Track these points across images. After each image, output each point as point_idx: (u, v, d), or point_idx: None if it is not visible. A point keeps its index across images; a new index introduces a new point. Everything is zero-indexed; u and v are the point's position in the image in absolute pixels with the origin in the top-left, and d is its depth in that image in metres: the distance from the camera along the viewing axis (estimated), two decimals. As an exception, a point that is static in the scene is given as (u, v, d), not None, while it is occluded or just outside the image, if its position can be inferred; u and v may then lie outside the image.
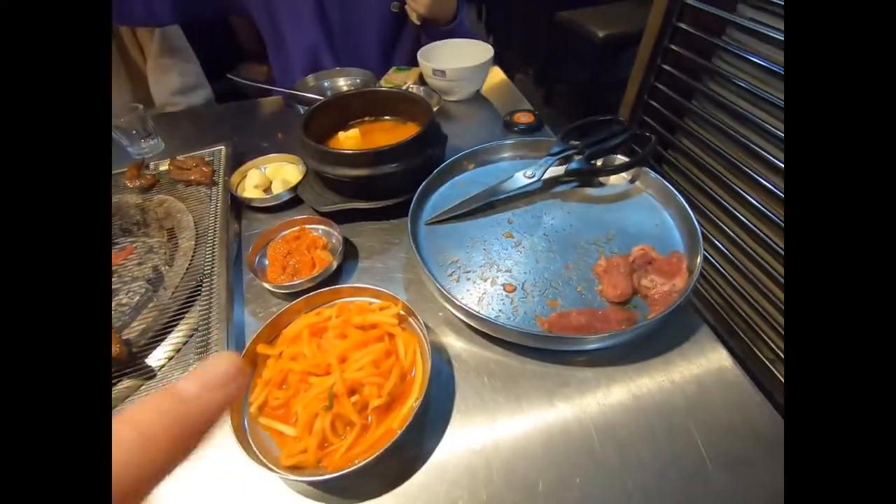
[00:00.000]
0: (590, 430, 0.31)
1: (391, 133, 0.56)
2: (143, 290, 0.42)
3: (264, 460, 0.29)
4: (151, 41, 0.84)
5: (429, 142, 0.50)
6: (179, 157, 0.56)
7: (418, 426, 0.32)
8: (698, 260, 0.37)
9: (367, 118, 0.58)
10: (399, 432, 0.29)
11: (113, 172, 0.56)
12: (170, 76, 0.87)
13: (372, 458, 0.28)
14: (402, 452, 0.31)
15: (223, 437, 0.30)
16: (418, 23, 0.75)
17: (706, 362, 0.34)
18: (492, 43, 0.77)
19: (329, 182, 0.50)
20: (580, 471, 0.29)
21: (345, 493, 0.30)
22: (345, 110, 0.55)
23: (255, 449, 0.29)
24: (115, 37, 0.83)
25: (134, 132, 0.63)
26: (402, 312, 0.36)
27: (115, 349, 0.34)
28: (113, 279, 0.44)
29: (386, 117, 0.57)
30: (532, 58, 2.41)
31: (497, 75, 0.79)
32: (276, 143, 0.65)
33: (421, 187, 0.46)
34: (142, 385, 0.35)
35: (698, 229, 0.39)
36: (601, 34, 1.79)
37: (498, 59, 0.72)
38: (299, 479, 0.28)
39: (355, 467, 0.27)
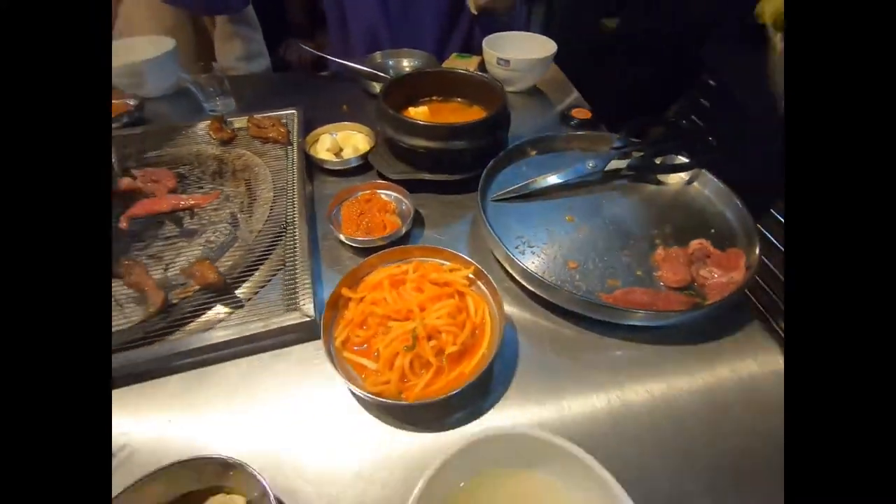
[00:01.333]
0: (649, 403, 0.34)
1: (458, 113, 0.58)
2: (228, 231, 0.45)
3: (356, 382, 0.32)
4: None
5: (498, 124, 0.52)
6: (257, 116, 0.59)
7: (487, 376, 0.35)
8: (756, 254, 0.39)
9: (435, 97, 0.60)
10: (472, 377, 0.32)
11: (193, 125, 0.60)
12: (235, 42, 0.91)
13: (446, 395, 0.30)
14: (472, 397, 0.34)
15: (319, 362, 0.33)
16: (475, 12, 0.77)
17: (760, 356, 0.36)
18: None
19: (400, 152, 0.52)
20: (639, 442, 0.32)
21: (416, 424, 0.32)
22: (418, 87, 0.58)
23: (345, 372, 0.32)
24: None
25: (211, 89, 0.66)
26: (471, 276, 0.39)
27: (213, 276, 0.37)
28: (197, 219, 0.47)
29: (456, 98, 0.60)
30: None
31: (553, 70, 0.81)
32: (338, 114, 0.68)
33: (489, 165, 0.49)
34: (232, 313, 0.38)
35: (755, 229, 0.41)
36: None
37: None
38: (386, 400, 0.31)
39: (433, 400, 0.30)
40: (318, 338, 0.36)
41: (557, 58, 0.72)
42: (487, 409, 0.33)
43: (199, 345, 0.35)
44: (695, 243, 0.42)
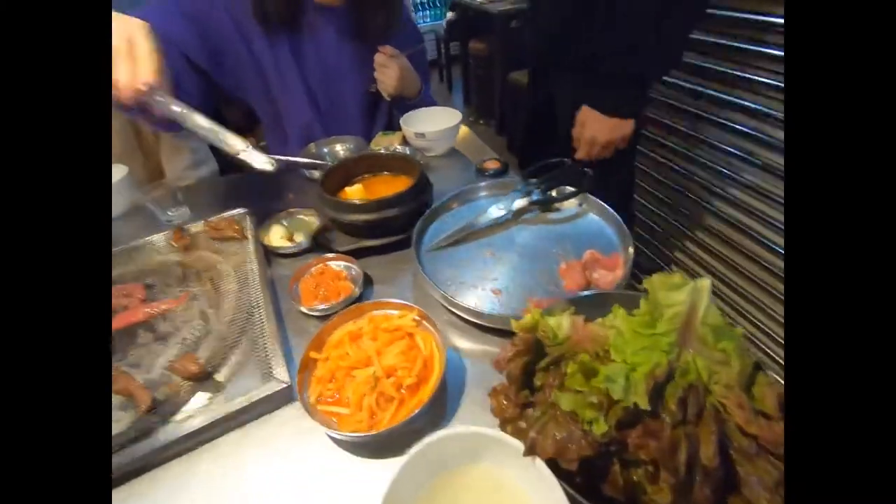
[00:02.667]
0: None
1: (389, 184, 0.69)
2: (200, 327, 0.51)
3: (334, 427, 0.38)
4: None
5: (421, 190, 0.63)
6: (212, 219, 0.67)
7: (441, 398, 0.42)
8: (630, 252, 0.50)
9: (367, 175, 0.71)
10: (426, 400, 0.39)
11: (152, 238, 0.66)
12: (183, 153, 1.00)
13: (408, 418, 0.37)
14: (431, 418, 0.41)
15: (298, 419, 0.39)
16: (389, 99, 0.91)
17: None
18: (452, 100, 0.93)
19: (343, 227, 0.62)
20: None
21: (392, 452, 0.39)
22: (351, 170, 0.69)
23: (323, 421, 0.38)
24: (131, 122, 0.96)
25: (165, 202, 0.74)
26: (416, 318, 0.47)
27: (195, 368, 0.43)
28: (170, 323, 0.53)
29: (384, 173, 0.71)
30: (490, 111, 2.72)
31: (464, 131, 0.96)
32: (286, 202, 0.77)
33: (418, 224, 0.59)
34: (214, 395, 0.43)
35: (628, 232, 0.53)
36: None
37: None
38: (361, 435, 0.37)
39: (397, 425, 0.37)
40: (295, 399, 0.43)
41: (479, 108, 0.86)
42: (447, 424, 0.40)
43: (189, 430, 0.39)
44: (587, 253, 0.53)
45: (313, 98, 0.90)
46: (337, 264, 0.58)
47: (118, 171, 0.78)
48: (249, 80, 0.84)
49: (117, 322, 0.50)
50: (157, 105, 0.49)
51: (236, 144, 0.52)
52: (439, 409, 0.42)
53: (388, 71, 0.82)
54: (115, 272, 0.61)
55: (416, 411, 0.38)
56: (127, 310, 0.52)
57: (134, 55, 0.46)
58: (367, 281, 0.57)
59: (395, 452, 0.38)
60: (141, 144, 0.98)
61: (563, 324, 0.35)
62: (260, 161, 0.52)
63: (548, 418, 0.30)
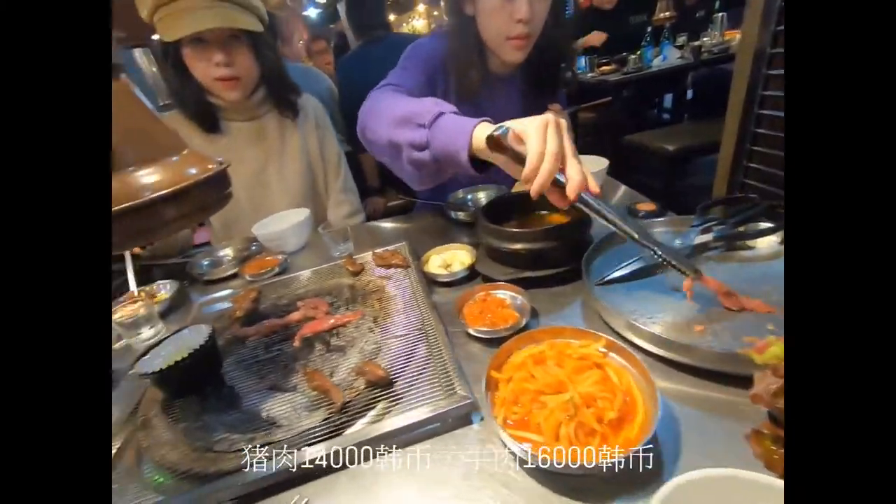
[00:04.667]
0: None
1: (541, 222, 0.69)
2: (375, 341, 0.53)
3: (526, 451, 0.34)
4: (337, 180, 1.16)
5: (586, 224, 0.62)
6: (378, 250, 0.74)
7: (654, 440, 0.35)
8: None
9: (517, 214, 0.73)
10: (641, 440, 0.33)
11: (327, 265, 0.75)
12: (343, 206, 1.17)
13: (627, 453, 0.31)
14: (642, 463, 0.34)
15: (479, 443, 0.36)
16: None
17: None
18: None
19: (503, 256, 0.62)
20: None
21: (589, 491, 0.32)
22: (507, 205, 0.71)
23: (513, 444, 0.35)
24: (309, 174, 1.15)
25: (337, 239, 0.84)
26: (602, 348, 0.42)
27: (382, 373, 0.44)
28: (342, 337, 0.56)
29: (535, 212, 0.72)
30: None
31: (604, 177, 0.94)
32: (434, 240, 0.82)
33: (586, 255, 0.56)
34: (393, 404, 0.43)
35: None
36: (671, 148, 1.99)
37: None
38: (567, 465, 0.32)
39: (613, 460, 0.31)
40: (471, 423, 0.40)
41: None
42: (669, 470, 0.33)
43: (378, 433, 0.39)
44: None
45: None
46: (500, 293, 0.57)
47: (303, 213, 0.93)
48: None
49: (309, 329, 0.55)
50: None
51: None
52: (652, 453, 0.34)
53: None
54: (301, 290, 0.70)
55: (639, 446, 0.32)
56: (315, 319, 0.57)
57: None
58: (532, 312, 0.55)
59: (597, 494, 0.32)
60: (314, 195, 1.18)
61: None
62: None
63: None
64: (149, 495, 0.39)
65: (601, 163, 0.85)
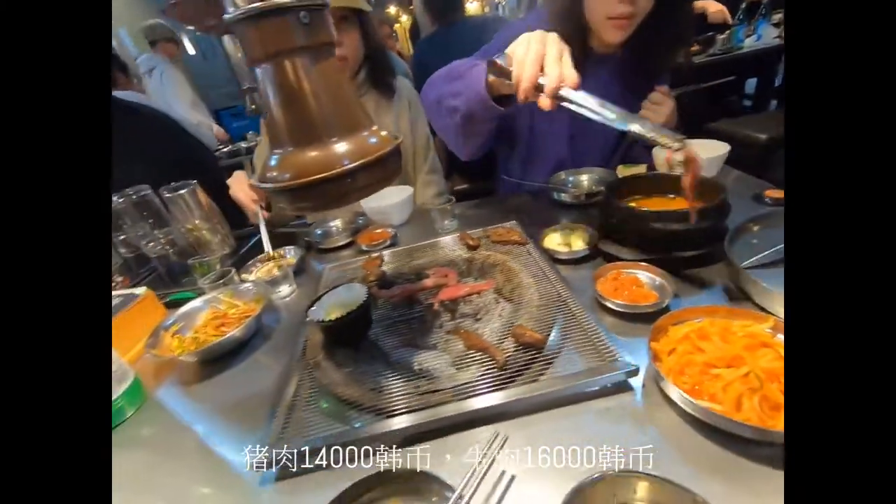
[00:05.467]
0: None
1: (664, 205, 0.68)
2: (511, 309, 0.56)
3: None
4: (425, 162, 1.19)
5: (726, 209, 0.60)
6: (490, 228, 0.76)
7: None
8: None
9: (637, 196, 0.72)
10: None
11: (443, 239, 0.79)
12: (430, 186, 1.20)
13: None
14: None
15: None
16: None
17: None
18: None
19: (629, 237, 0.62)
20: None
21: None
22: (630, 187, 0.71)
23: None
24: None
25: (445, 215, 0.88)
26: (770, 329, 0.42)
27: (538, 336, 0.46)
28: (470, 306, 0.60)
29: (655, 196, 0.71)
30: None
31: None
32: (539, 221, 0.83)
33: (727, 238, 0.55)
34: (547, 368, 0.46)
35: None
36: (764, 137, 1.84)
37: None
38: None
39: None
40: (631, 389, 0.42)
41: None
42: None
43: (540, 392, 0.42)
44: None
45: (572, 137, 0.98)
46: (633, 272, 0.58)
47: (406, 190, 0.97)
48: (520, 126, 0.98)
49: (446, 294, 0.59)
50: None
51: None
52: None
53: (662, 108, 0.85)
54: (418, 261, 0.74)
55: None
56: (448, 287, 0.61)
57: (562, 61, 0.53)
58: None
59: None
60: (403, 175, 1.22)
61: None
62: None
63: None
64: (335, 424, 0.44)
65: (722, 147, 0.81)
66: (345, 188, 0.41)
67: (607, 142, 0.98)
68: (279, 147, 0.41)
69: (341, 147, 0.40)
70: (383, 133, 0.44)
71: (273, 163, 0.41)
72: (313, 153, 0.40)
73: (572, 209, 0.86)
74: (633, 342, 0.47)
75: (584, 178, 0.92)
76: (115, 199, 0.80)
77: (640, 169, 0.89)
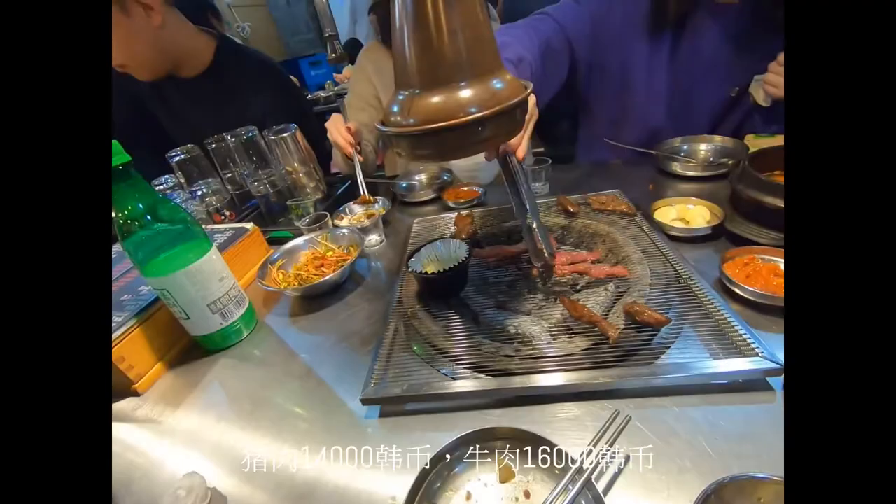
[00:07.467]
0: None
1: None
2: (619, 284, 0.52)
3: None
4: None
5: None
6: (592, 194, 0.70)
7: None
8: None
9: (777, 171, 0.61)
10: None
11: (538, 203, 0.74)
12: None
13: None
14: None
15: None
16: (767, 105, 0.77)
17: None
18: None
19: (767, 219, 0.54)
20: None
21: None
22: (771, 162, 0.61)
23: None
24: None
25: (538, 178, 0.83)
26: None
27: (659, 317, 0.42)
28: (586, 280, 0.56)
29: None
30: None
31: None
32: (645, 192, 0.75)
33: None
34: (663, 352, 0.42)
35: None
36: None
37: None
38: None
39: None
40: (769, 389, 0.37)
41: None
42: None
43: (656, 377, 0.39)
44: None
45: (669, 100, 0.87)
46: (769, 258, 0.50)
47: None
48: (611, 78, 0.88)
49: (575, 268, 0.55)
50: None
51: None
52: None
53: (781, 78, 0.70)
54: (509, 223, 0.71)
55: None
56: (575, 262, 0.58)
57: None
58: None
59: None
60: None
61: None
62: None
63: None
64: (434, 374, 0.45)
65: None
66: (469, 138, 0.38)
67: (710, 106, 0.84)
68: (405, 88, 0.39)
69: (471, 93, 0.37)
70: (511, 78, 0.41)
71: (397, 106, 0.39)
72: (442, 97, 0.37)
73: (686, 181, 0.77)
74: (767, 337, 0.41)
75: (702, 147, 0.81)
76: (227, 137, 0.85)
77: (777, 140, 0.75)
